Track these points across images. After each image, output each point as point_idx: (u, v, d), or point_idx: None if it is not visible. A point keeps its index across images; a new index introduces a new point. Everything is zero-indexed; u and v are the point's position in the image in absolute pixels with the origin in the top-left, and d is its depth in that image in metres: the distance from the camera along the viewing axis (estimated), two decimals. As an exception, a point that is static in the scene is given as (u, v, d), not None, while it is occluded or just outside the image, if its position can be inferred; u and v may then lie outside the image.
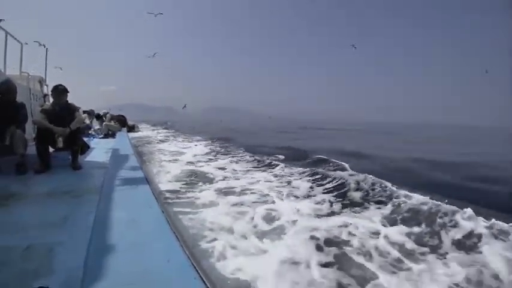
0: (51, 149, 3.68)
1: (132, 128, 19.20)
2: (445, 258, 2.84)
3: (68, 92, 3.71)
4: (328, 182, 5.66)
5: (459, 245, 3.15)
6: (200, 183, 5.36)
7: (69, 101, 3.81)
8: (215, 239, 3.02)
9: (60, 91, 3.63)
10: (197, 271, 1.24)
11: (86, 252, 1.40)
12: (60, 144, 3.50)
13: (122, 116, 10.20)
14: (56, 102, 3.65)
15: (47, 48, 7.53)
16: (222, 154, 9.66)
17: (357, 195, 4.85)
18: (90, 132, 8.71)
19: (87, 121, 8.95)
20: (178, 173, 6.10)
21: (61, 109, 3.62)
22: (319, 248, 2.92)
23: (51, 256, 1.43)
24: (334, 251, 2.87)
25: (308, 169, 6.77)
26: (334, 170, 6.62)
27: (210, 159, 8.61)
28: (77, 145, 3.69)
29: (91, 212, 1.97)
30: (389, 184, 5.18)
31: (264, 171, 6.86)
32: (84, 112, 9.22)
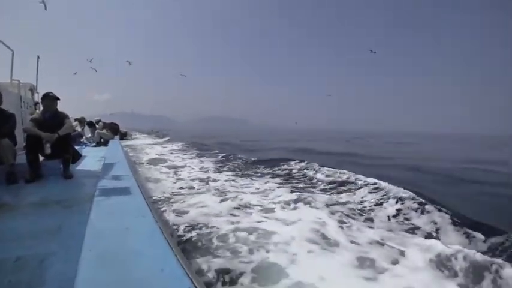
0: (41, 158, 3.63)
1: (124, 135, 19.12)
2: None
3: (59, 99, 3.68)
4: (219, 161, 10.78)
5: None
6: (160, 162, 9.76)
7: (60, 109, 3.78)
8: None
9: (50, 99, 3.60)
10: (191, 280, 1.24)
11: (78, 263, 1.39)
12: (48, 151, 3.45)
13: (115, 123, 10.09)
14: (46, 110, 3.62)
15: (38, 56, 7.47)
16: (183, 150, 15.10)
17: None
18: (81, 140, 8.60)
19: (78, 129, 8.85)
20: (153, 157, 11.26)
21: (50, 117, 3.58)
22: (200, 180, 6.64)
23: (42, 267, 1.41)
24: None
25: (219, 156, 12.15)
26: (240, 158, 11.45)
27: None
28: (68, 153, 3.65)
29: (83, 222, 1.94)
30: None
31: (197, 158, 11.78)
32: (76, 120, 9.12)
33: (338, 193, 5.90)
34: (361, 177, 6.83)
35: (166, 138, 24.87)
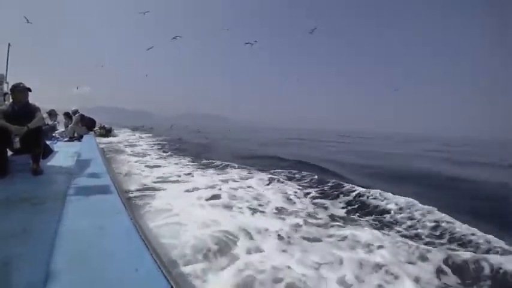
0: (9, 153, 3.44)
1: (108, 132, 18.57)
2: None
3: (30, 90, 3.51)
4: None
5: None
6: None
7: (32, 102, 3.60)
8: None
9: (20, 90, 3.42)
10: (167, 279, 1.24)
11: (48, 264, 1.34)
12: (17, 145, 3.28)
13: (91, 118, 9.68)
14: (15, 102, 3.44)
15: (9, 44, 7.05)
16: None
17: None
18: (54, 134, 8.20)
19: (49, 122, 8.41)
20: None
21: (20, 109, 3.41)
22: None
23: (8, 270, 1.35)
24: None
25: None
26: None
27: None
28: (38, 148, 3.48)
29: (53, 221, 1.87)
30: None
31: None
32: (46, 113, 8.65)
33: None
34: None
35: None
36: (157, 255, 1.52)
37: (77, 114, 8.77)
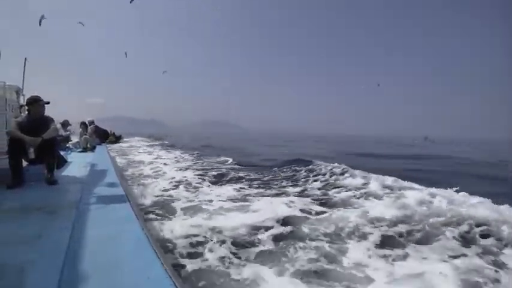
0: (25, 163, 3.52)
1: (118, 139, 21.73)
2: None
3: (48, 103, 3.60)
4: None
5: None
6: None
7: (47, 113, 3.70)
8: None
9: (40, 105, 3.51)
10: (177, 288, 1.23)
11: (60, 272, 1.34)
12: (32, 155, 3.34)
13: (105, 130, 9.91)
14: (32, 114, 3.53)
15: (25, 58, 7.33)
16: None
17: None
18: (67, 145, 8.39)
19: (63, 132, 8.61)
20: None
21: (35, 120, 3.49)
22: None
23: (22, 277, 1.36)
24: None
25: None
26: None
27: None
28: (52, 158, 3.55)
29: (66, 229, 1.89)
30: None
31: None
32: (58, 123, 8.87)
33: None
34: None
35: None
36: (168, 264, 1.52)
37: (92, 126, 8.97)
